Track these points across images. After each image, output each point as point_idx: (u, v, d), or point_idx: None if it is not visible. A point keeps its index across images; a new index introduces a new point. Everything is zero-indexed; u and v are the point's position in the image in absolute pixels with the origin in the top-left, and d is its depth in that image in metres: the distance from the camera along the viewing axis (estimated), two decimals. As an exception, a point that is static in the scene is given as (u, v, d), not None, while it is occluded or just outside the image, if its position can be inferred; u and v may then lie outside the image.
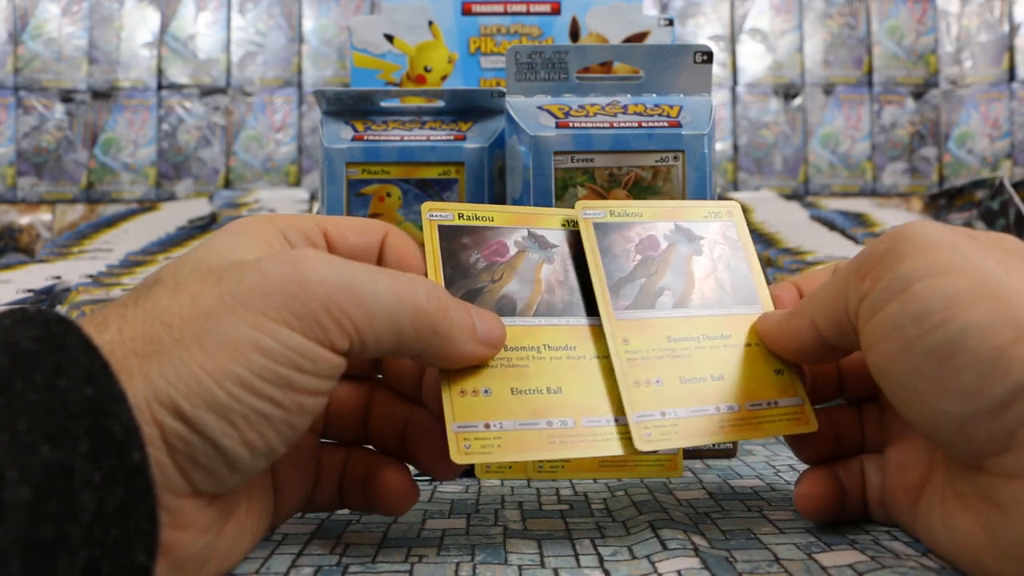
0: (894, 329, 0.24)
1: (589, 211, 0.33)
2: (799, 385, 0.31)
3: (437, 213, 0.32)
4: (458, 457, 0.27)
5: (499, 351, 0.28)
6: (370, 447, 0.31)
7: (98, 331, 0.22)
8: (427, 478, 0.39)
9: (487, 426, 0.28)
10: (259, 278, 0.23)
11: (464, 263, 0.31)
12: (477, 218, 0.32)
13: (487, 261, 0.31)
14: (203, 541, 0.23)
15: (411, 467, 0.30)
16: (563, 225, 0.33)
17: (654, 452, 0.36)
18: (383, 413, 0.30)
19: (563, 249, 0.32)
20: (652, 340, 0.30)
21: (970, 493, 0.24)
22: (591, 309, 0.31)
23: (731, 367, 0.30)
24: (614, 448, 0.28)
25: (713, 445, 0.40)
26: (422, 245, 0.31)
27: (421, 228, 0.31)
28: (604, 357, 0.30)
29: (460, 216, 0.32)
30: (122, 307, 0.23)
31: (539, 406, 0.28)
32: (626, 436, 0.28)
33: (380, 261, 0.29)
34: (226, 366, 0.22)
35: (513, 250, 0.32)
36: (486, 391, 0.28)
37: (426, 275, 0.30)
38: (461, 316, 0.26)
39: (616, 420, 0.29)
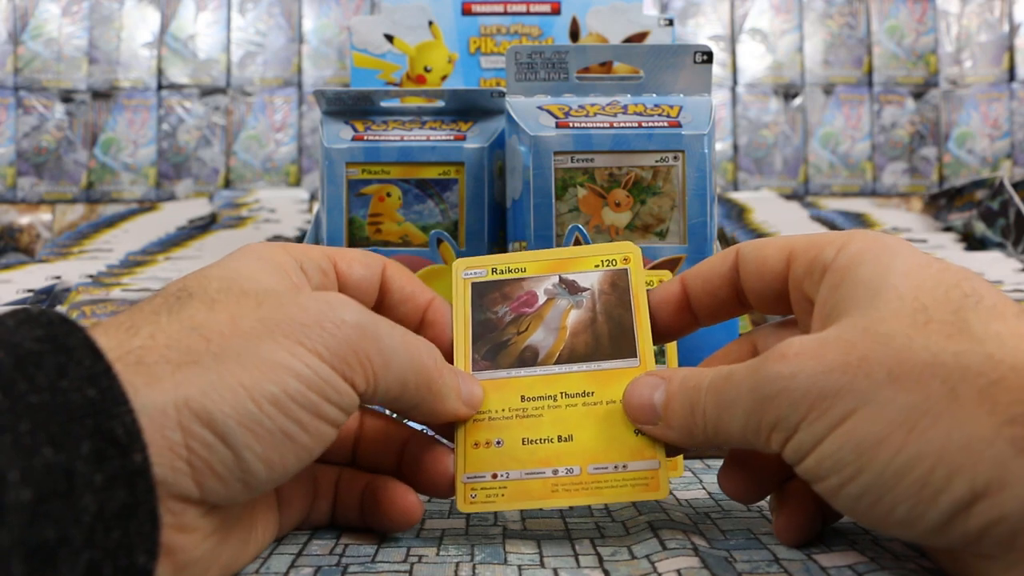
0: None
1: (469, 271, 0.33)
2: (659, 446, 0.29)
3: (471, 271, 0.32)
4: (464, 506, 0.29)
5: (477, 411, 0.30)
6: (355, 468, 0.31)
7: (128, 335, 0.23)
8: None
9: (494, 476, 0.29)
10: (298, 311, 0.25)
11: (492, 319, 0.32)
12: (510, 271, 0.32)
13: (515, 314, 0.32)
14: (206, 546, 0.23)
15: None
16: (597, 267, 0.32)
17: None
18: (377, 435, 0.31)
19: (594, 292, 0.32)
20: (504, 400, 0.30)
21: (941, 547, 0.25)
22: (617, 352, 0.31)
23: (584, 427, 0.29)
24: (619, 495, 0.29)
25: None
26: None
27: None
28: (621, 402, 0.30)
29: (493, 271, 0.32)
30: (153, 314, 0.24)
31: (548, 455, 0.29)
32: (633, 483, 0.29)
33: (384, 289, 0.31)
34: (262, 384, 0.23)
35: (542, 299, 0.32)
36: (498, 442, 0.30)
37: (428, 310, 0.32)
38: (451, 379, 0.29)
39: (625, 467, 0.29)
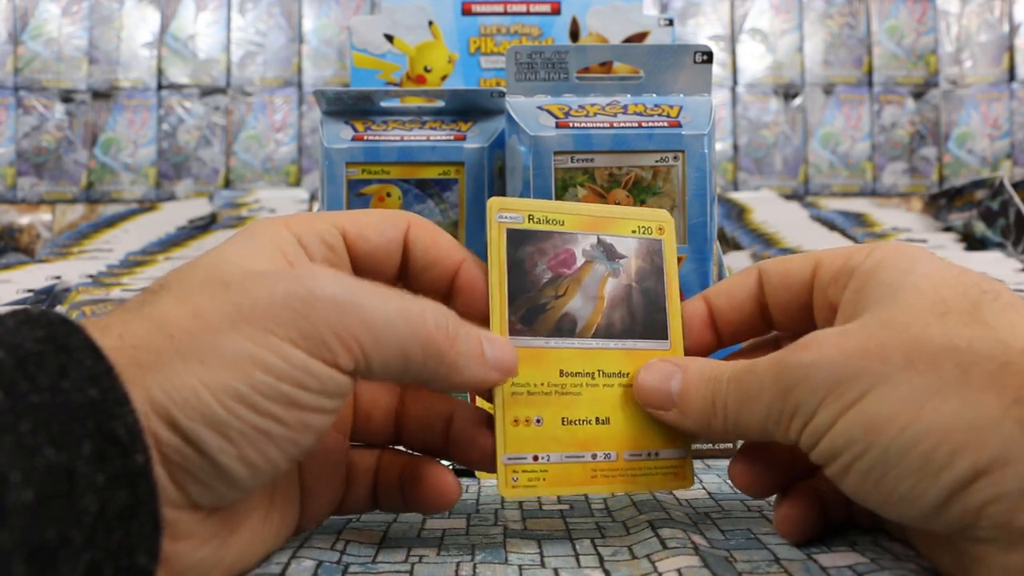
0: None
1: (505, 214, 0.30)
2: (686, 435, 0.30)
3: (507, 214, 0.30)
4: (506, 491, 0.28)
5: (510, 376, 0.27)
6: (399, 448, 0.30)
7: (101, 335, 0.22)
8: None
9: (535, 458, 0.28)
10: (266, 293, 0.23)
11: (529, 275, 0.29)
12: (548, 221, 0.30)
13: (553, 273, 0.30)
14: (204, 552, 0.23)
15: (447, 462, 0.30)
16: (633, 232, 0.31)
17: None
18: (419, 412, 0.29)
19: (631, 261, 0.31)
20: (543, 373, 0.29)
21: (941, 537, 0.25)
22: (650, 331, 0.30)
23: (619, 410, 0.29)
24: (652, 483, 0.29)
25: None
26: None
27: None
28: None
29: (530, 218, 0.30)
30: (125, 312, 0.23)
31: (587, 438, 0.29)
32: (664, 471, 0.29)
33: (406, 255, 0.29)
34: (225, 381, 0.22)
35: (580, 260, 0.30)
36: (538, 420, 0.28)
37: (486, 279, 0.29)
38: (470, 345, 0.26)
39: (657, 454, 0.29)
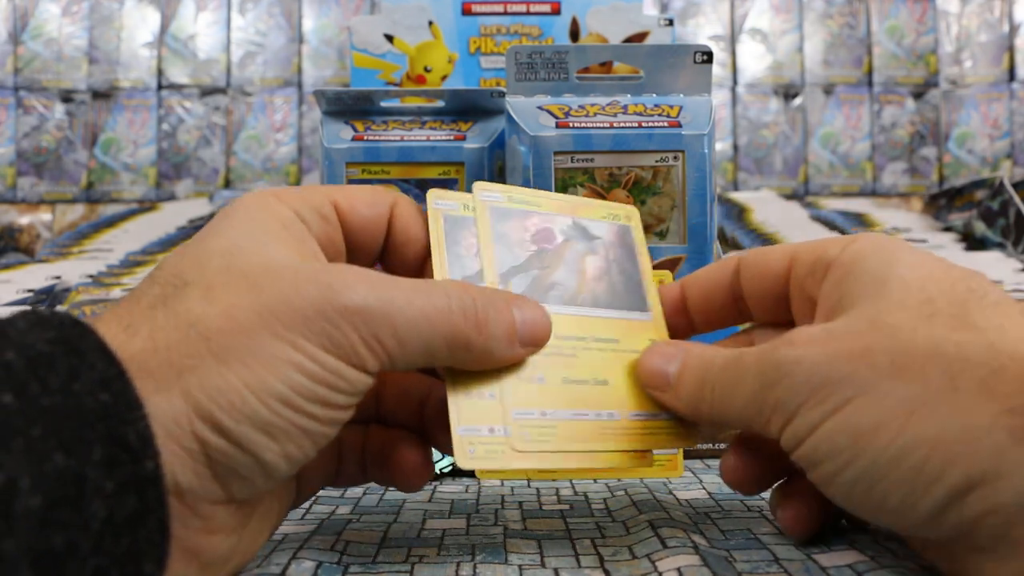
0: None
1: (486, 194, 0.30)
2: None
3: (488, 194, 0.31)
4: (521, 444, 0.26)
5: (540, 348, 0.28)
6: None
7: (127, 335, 0.22)
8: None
9: (543, 414, 0.27)
10: (297, 299, 0.23)
11: (515, 248, 0.30)
12: (526, 203, 0.31)
13: (536, 247, 0.30)
14: (230, 541, 0.24)
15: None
16: (604, 218, 0.33)
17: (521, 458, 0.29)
18: (397, 390, 0.30)
19: (606, 241, 0.32)
20: None
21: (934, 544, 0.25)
22: (632, 303, 0.31)
23: (616, 373, 0.29)
24: (659, 442, 0.29)
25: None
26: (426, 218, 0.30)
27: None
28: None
29: (510, 199, 0.31)
30: (150, 308, 0.23)
31: (588, 397, 0.28)
32: (667, 431, 0.29)
33: (389, 230, 0.29)
34: (268, 383, 0.22)
35: (559, 238, 0.31)
36: (540, 379, 0.28)
37: (429, 253, 0.29)
38: (500, 327, 0.26)
39: (656, 415, 0.29)
